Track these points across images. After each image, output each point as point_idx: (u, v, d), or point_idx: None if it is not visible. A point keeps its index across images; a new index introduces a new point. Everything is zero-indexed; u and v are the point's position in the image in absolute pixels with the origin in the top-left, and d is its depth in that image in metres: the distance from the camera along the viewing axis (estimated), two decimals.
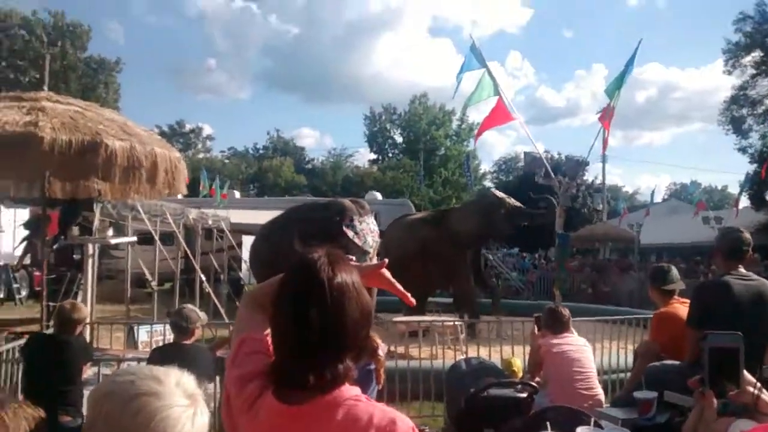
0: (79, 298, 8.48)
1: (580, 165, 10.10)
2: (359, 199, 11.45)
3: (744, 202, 28.37)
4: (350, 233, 9.59)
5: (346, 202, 10.43)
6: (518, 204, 13.13)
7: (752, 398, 1.14)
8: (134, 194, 7.10)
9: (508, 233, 13.24)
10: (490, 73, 7.89)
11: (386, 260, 1.86)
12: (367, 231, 9.86)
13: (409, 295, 1.98)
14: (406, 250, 13.09)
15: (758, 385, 1.16)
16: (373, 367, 5.36)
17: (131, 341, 8.04)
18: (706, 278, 17.64)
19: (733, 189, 47.67)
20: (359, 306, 1.51)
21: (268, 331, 1.68)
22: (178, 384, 1.34)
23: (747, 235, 4.37)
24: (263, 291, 1.77)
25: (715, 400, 1.14)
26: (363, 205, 10.33)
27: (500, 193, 13.82)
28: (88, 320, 6.36)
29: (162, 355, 4.76)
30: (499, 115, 7.97)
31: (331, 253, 1.58)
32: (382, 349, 5.52)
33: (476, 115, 47.18)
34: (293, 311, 1.47)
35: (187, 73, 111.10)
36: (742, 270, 4.31)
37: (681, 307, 4.82)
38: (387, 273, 1.86)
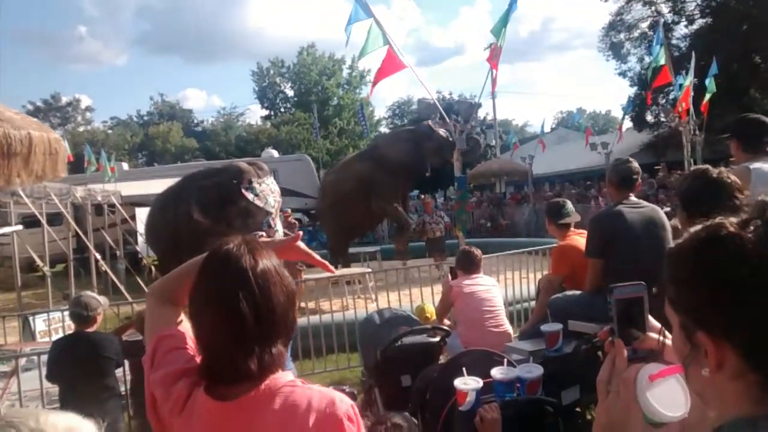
0: None
1: (473, 107, 10.19)
2: (256, 159, 11.19)
3: (627, 124, 29.71)
4: (250, 195, 9.37)
5: (243, 164, 10.14)
6: (449, 138, 13.02)
7: (658, 344, 1.19)
8: (13, 181, 6.64)
9: (436, 166, 13.15)
10: (377, 23, 7.78)
11: (300, 233, 1.82)
12: (268, 192, 9.66)
13: (327, 263, 1.96)
14: (344, 189, 13.29)
15: (663, 330, 1.20)
16: None
17: (27, 333, 7.62)
18: (597, 201, 18.55)
19: (617, 113, 49.91)
20: (284, 289, 1.49)
21: (181, 320, 1.65)
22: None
23: (635, 165, 4.56)
24: (169, 283, 1.72)
25: (624, 349, 1.17)
26: (261, 166, 10.07)
27: (435, 125, 13.64)
28: None
29: (64, 347, 4.53)
30: (391, 65, 7.89)
31: (247, 241, 1.53)
32: None
33: (366, 62, 46.94)
34: (222, 305, 1.43)
35: (57, 43, 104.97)
36: (633, 198, 4.50)
37: (578, 239, 5.01)
38: (302, 245, 1.83)
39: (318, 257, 1.88)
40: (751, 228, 0.90)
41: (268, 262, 1.49)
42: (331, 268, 2.01)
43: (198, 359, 1.52)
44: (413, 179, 13.90)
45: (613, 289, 1.24)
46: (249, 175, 9.56)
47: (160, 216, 10.19)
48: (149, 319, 1.71)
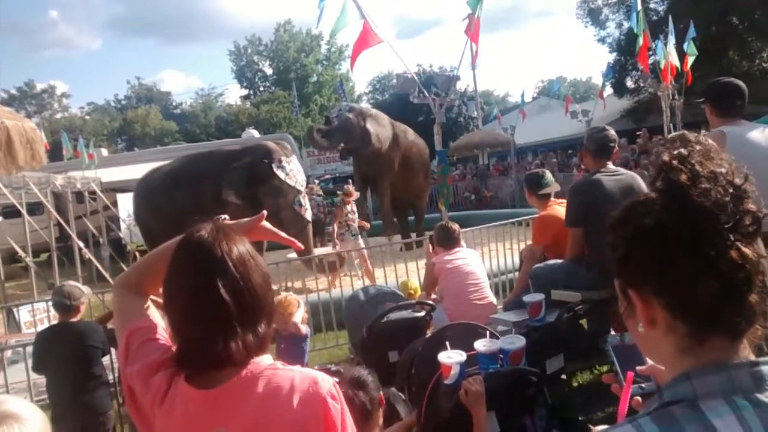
0: None
1: (451, 80, 10.03)
2: (280, 141, 11.06)
3: (607, 90, 29.72)
4: (281, 174, 9.41)
5: (270, 143, 10.13)
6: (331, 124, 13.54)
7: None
8: None
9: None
10: None
11: (264, 212, 1.79)
12: (296, 170, 9.74)
13: (296, 241, 1.94)
14: None
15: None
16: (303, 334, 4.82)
17: (12, 325, 7.58)
18: (579, 170, 18.61)
19: (597, 80, 49.76)
20: (259, 270, 1.49)
21: (147, 306, 1.64)
22: None
23: (612, 133, 4.57)
24: (138, 273, 1.71)
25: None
26: (286, 146, 10.10)
27: (368, 109, 14.15)
28: None
29: (49, 338, 4.50)
30: (367, 39, 7.79)
31: (219, 226, 1.53)
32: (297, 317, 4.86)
33: (344, 37, 46.53)
34: (201, 293, 1.42)
35: (29, 29, 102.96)
36: (610, 166, 4.52)
37: (559, 209, 5.04)
38: (267, 224, 1.79)
39: (285, 235, 1.86)
40: (657, 184, 0.96)
41: (241, 246, 1.49)
42: (299, 245, 2.00)
43: (173, 349, 1.51)
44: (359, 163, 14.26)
45: (607, 338, 1.30)
46: (278, 154, 9.59)
47: (164, 197, 9.99)
48: (119, 311, 1.69)
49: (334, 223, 10.89)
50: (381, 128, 13.62)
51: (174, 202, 9.42)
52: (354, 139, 13.51)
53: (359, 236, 10.73)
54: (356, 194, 10.58)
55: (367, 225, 11.45)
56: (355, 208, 10.69)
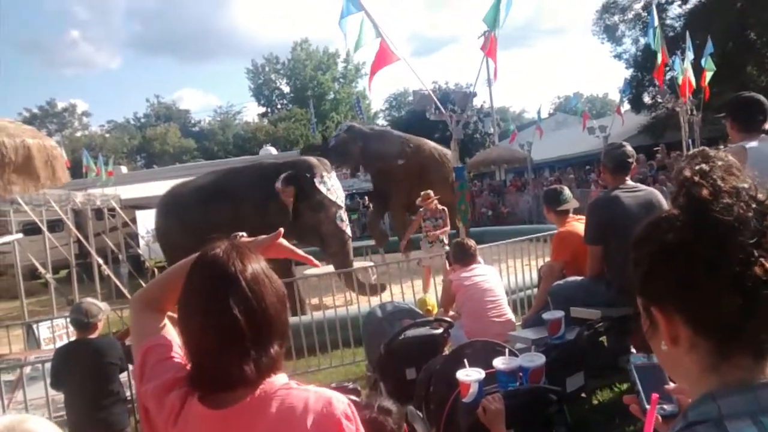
0: None
1: (468, 97, 10.05)
2: (320, 158, 11.04)
3: (625, 106, 29.60)
4: (323, 189, 9.48)
5: (311, 159, 10.19)
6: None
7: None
8: (13, 190, 6.60)
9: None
10: (369, 16, 7.72)
11: (281, 230, 1.78)
12: (337, 186, 9.84)
13: (312, 258, 1.94)
14: None
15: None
16: None
17: (32, 341, 7.62)
18: (597, 185, 18.51)
19: (614, 96, 49.59)
20: (274, 290, 1.46)
21: (164, 325, 1.63)
22: None
23: (629, 149, 4.54)
24: (155, 290, 1.70)
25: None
26: (326, 163, 10.17)
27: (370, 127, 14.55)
28: None
29: (67, 355, 4.52)
30: (384, 58, 7.82)
31: (234, 244, 1.51)
32: None
33: (361, 55, 46.74)
34: (213, 311, 1.39)
35: (49, 49, 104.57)
36: (629, 182, 4.49)
37: (578, 225, 5.01)
38: (284, 242, 1.79)
39: (302, 253, 1.86)
40: (679, 200, 0.96)
41: (256, 264, 1.47)
42: (316, 262, 1.99)
43: (188, 367, 1.49)
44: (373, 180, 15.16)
45: (629, 358, 1.30)
46: (320, 169, 9.67)
47: (196, 211, 9.93)
48: (135, 328, 1.68)
49: (409, 232, 11.16)
50: (382, 145, 13.79)
51: (208, 218, 9.28)
52: (352, 158, 13.94)
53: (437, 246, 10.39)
54: (434, 198, 10.41)
55: (435, 234, 11.05)
56: (440, 214, 10.38)
